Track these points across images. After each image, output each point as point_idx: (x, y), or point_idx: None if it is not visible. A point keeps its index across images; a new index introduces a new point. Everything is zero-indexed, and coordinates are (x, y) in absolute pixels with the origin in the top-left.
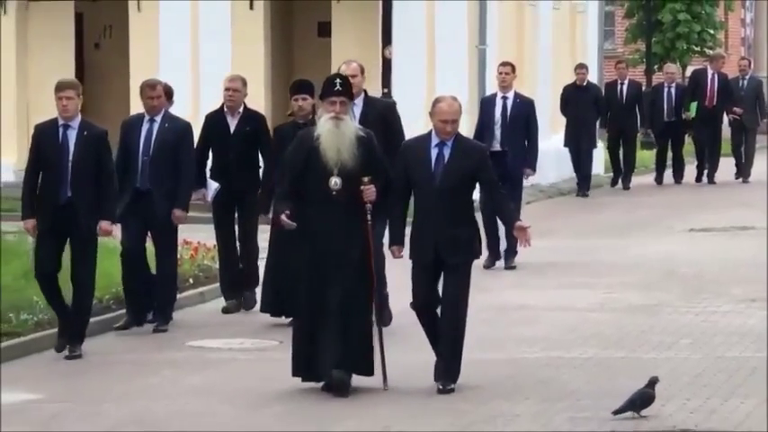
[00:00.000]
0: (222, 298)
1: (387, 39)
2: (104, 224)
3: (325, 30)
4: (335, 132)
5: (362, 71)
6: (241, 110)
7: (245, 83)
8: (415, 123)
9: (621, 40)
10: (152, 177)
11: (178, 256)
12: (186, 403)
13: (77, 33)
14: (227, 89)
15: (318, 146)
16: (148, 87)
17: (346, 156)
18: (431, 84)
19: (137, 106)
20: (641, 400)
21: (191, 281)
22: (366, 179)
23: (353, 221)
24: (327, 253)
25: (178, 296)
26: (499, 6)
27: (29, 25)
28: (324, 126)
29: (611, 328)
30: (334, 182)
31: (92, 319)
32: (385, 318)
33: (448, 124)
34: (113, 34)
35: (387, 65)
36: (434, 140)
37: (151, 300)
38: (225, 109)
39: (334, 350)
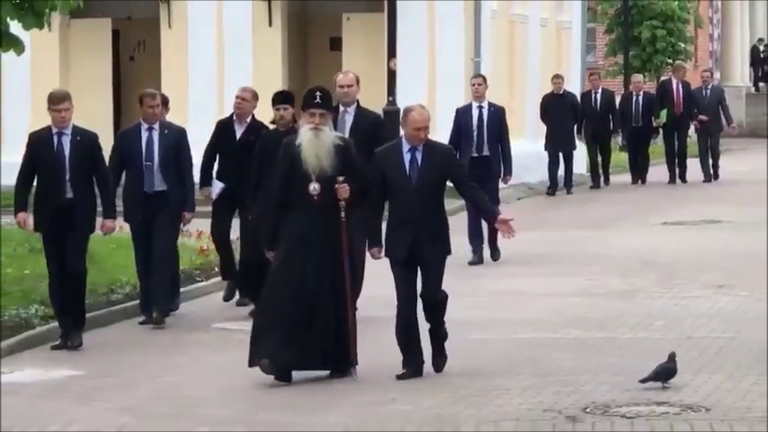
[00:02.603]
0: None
1: (392, 52)
2: (108, 222)
3: (336, 44)
4: (315, 141)
5: (357, 81)
6: (249, 120)
7: (255, 96)
8: None
9: (602, 53)
10: (157, 181)
11: (205, 246)
12: (212, 380)
13: (114, 47)
14: (237, 97)
15: (299, 153)
16: (149, 97)
17: (325, 163)
18: (431, 92)
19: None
20: (666, 372)
21: (216, 269)
22: (340, 178)
23: (331, 224)
24: (305, 253)
25: (204, 283)
26: (492, 23)
27: (70, 40)
28: (304, 135)
29: (592, 311)
30: (313, 187)
31: (127, 304)
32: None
33: (421, 131)
34: (146, 48)
35: (392, 75)
36: (406, 146)
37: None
38: (234, 117)
39: (309, 341)
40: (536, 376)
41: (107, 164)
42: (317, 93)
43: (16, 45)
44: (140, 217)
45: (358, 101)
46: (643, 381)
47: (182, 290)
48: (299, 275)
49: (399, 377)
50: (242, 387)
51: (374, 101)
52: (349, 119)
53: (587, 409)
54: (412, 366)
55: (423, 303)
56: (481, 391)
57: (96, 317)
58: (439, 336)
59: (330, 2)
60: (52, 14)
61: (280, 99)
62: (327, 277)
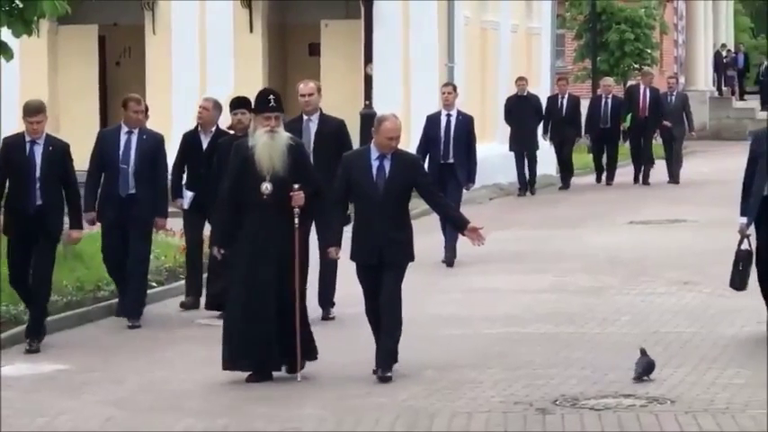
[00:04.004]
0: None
1: (368, 57)
2: (74, 233)
3: (315, 50)
4: (269, 144)
5: (319, 90)
6: (213, 129)
7: (216, 105)
8: None
9: (571, 58)
10: (132, 184)
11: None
12: (195, 374)
13: (100, 53)
14: (199, 107)
15: (253, 155)
16: (134, 102)
17: (278, 163)
18: (406, 96)
19: (152, 116)
20: (651, 367)
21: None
22: (296, 186)
23: (284, 223)
24: (261, 253)
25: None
26: (465, 30)
27: (58, 46)
28: (260, 138)
29: (562, 307)
30: (266, 187)
31: (113, 300)
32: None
33: (393, 140)
34: (132, 54)
35: (368, 80)
36: (375, 154)
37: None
38: (198, 128)
39: (270, 348)
40: (507, 370)
41: (88, 164)
42: (271, 96)
43: (5, 51)
44: (111, 218)
45: (321, 108)
46: (637, 379)
47: (166, 287)
48: (253, 277)
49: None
50: (224, 381)
51: (351, 104)
52: (313, 126)
53: (557, 402)
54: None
55: (380, 308)
56: (454, 384)
57: (84, 313)
58: (391, 338)
59: (309, 9)
60: (40, 21)
61: (237, 104)
62: (280, 277)
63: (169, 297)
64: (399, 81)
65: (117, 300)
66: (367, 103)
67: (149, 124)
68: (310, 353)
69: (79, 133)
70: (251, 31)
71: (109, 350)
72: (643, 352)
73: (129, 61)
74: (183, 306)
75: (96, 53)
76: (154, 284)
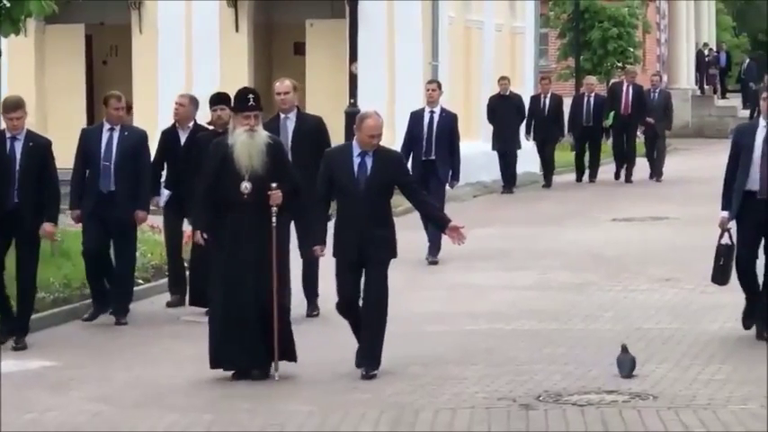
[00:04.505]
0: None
1: (353, 56)
2: (48, 226)
3: (300, 49)
4: (249, 143)
5: (295, 88)
6: (191, 125)
7: (192, 101)
8: None
9: (555, 57)
10: (114, 181)
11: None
12: (182, 370)
13: (87, 52)
14: (175, 104)
15: (232, 153)
16: (114, 99)
17: (257, 162)
18: (391, 95)
19: (139, 114)
20: (635, 363)
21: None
22: (274, 185)
23: (263, 223)
24: (240, 251)
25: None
26: (449, 29)
27: (45, 45)
28: (239, 137)
29: (545, 303)
30: (245, 186)
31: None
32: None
33: (374, 138)
34: (119, 53)
35: (353, 79)
36: (356, 150)
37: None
38: (176, 124)
39: (245, 343)
40: (491, 366)
41: (73, 162)
42: (250, 95)
43: None
44: (91, 210)
45: (298, 107)
46: (628, 377)
47: (152, 284)
48: (232, 277)
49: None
50: (210, 377)
51: (336, 103)
52: (290, 124)
53: (540, 398)
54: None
55: (365, 306)
56: (438, 380)
57: (71, 310)
58: (377, 337)
59: (294, 9)
60: (27, 20)
61: (217, 100)
62: (259, 277)
63: (155, 294)
64: (384, 80)
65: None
66: (352, 101)
67: (136, 122)
68: (290, 354)
69: (66, 131)
70: (237, 30)
71: (96, 347)
72: (624, 348)
73: (115, 60)
74: (170, 305)
75: (83, 52)
76: (140, 281)
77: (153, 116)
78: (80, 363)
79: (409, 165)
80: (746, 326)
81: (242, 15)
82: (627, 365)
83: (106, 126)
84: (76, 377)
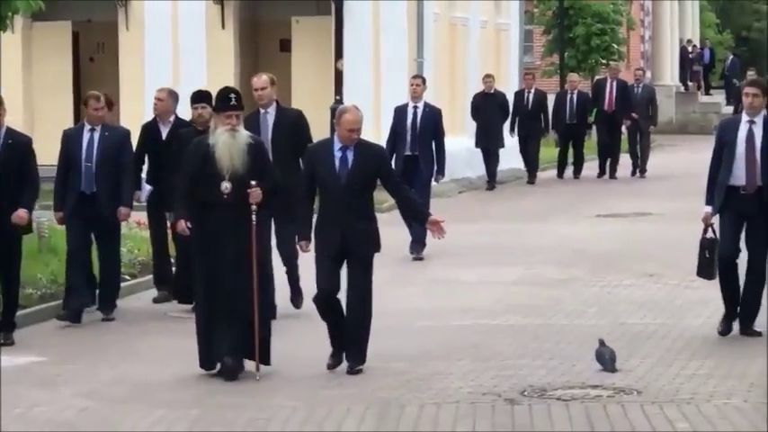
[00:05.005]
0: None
1: (339, 53)
2: (21, 212)
3: (286, 46)
4: (231, 142)
5: (272, 83)
6: (172, 119)
7: (171, 94)
8: (363, 126)
9: (540, 54)
10: (96, 181)
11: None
12: (168, 365)
13: (74, 49)
14: (154, 99)
15: (213, 153)
16: (94, 99)
17: (238, 163)
18: (377, 91)
19: (126, 111)
20: (614, 356)
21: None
22: (253, 182)
23: (243, 222)
24: (220, 251)
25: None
26: (435, 26)
27: (32, 42)
28: (220, 136)
29: (530, 299)
30: (225, 186)
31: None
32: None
33: (354, 132)
34: (105, 50)
35: (339, 76)
36: (337, 145)
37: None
38: (157, 118)
39: (227, 339)
40: (476, 361)
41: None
42: (232, 95)
43: None
44: (72, 209)
45: (277, 101)
46: (612, 370)
47: (139, 280)
48: (214, 277)
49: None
50: (196, 372)
51: (322, 100)
52: (270, 119)
53: (525, 393)
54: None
55: (349, 303)
56: (424, 375)
57: (59, 306)
58: (360, 335)
59: (280, 6)
60: (14, 17)
61: (198, 98)
62: (239, 275)
63: (142, 290)
64: (369, 76)
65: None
66: (337, 98)
67: (122, 118)
68: (265, 357)
69: (53, 128)
70: (223, 27)
71: (83, 343)
72: (602, 342)
73: (102, 57)
74: (156, 301)
75: (70, 49)
76: (127, 277)
77: (140, 112)
78: (67, 358)
79: (393, 160)
80: (723, 332)
81: (228, 12)
82: (607, 359)
83: (87, 127)
84: (64, 373)
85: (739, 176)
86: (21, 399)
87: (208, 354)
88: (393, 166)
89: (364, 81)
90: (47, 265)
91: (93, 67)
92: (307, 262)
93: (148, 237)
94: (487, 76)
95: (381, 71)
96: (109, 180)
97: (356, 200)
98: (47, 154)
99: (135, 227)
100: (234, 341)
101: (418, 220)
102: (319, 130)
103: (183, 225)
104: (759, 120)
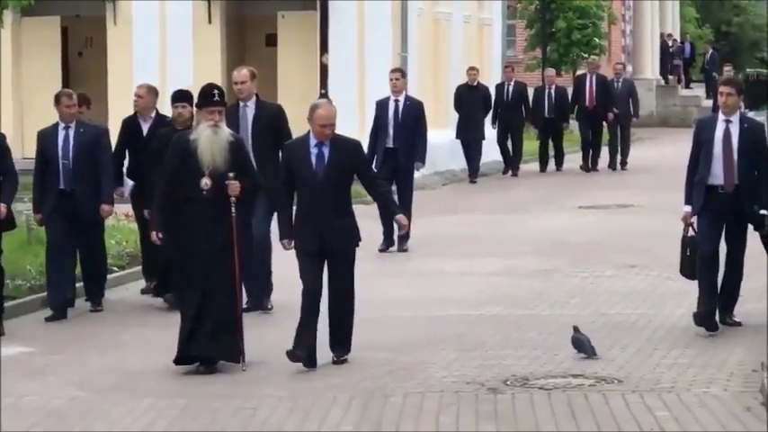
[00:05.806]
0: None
1: (324, 47)
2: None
3: (272, 40)
4: (212, 138)
5: (253, 76)
6: (153, 115)
7: (151, 90)
8: (348, 120)
9: (522, 48)
10: (74, 179)
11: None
12: (155, 355)
13: (63, 44)
14: (134, 95)
15: (195, 149)
16: (66, 97)
17: (219, 159)
18: (361, 85)
19: (114, 105)
20: (589, 341)
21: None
22: (231, 174)
23: (222, 217)
24: (199, 246)
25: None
26: (418, 21)
27: (22, 36)
28: (203, 132)
29: (513, 289)
30: (205, 182)
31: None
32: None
33: (327, 128)
34: (94, 45)
35: (324, 70)
36: (313, 141)
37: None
38: (138, 114)
39: (204, 337)
40: (460, 351)
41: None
42: (215, 91)
43: None
44: (51, 208)
45: (257, 95)
46: (593, 355)
47: (126, 271)
48: (193, 270)
49: (290, 354)
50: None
51: (307, 94)
52: (250, 112)
53: (507, 382)
54: (306, 348)
55: (332, 296)
56: (408, 365)
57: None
58: (345, 327)
59: (266, 1)
60: (3, 12)
61: (178, 97)
62: (218, 271)
63: (130, 281)
64: (354, 70)
65: (81, 284)
66: (323, 92)
67: (111, 113)
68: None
69: (42, 123)
70: (209, 22)
71: (71, 333)
72: (576, 329)
73: (91, 52)
74: (144, 292)
75: (59, 44)
76: (115, 269)
77: (128, 107)
78: (56, 349)
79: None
80: (699, 323)
81: (215, 7)
82: (587, 346)
83: (61, 125)
84: (52, 363)
85: (717, 175)
86: (10, 389)
87: (183, 351)
88: (375, 159)
89: (349, 75)
90: (36, 257)
91: (82, 62)
92: (288, 255)
93: (136, 229)
94: (471, 68)
95: (366, 65)
96: (88, 176)
97: (333, 195)
98: (35, 148)
99: (123, 219)
100: (212, 340)
101: (386, 213)
102: (304, 123)
103: (154, 236)
104: (735, 118)
